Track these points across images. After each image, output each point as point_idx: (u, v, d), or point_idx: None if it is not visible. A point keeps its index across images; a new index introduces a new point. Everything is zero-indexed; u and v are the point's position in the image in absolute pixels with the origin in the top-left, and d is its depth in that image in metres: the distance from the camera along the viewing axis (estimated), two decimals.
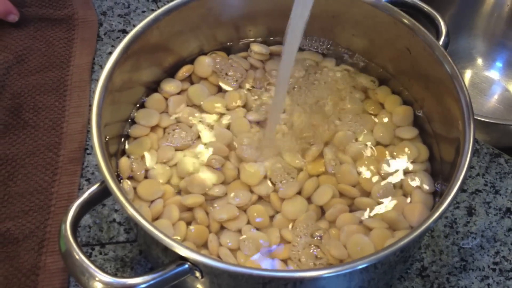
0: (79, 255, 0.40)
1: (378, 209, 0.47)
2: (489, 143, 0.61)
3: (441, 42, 0.50)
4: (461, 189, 0.53)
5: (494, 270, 0.51)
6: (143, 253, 0.51)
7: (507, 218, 0.53)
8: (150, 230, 0.39)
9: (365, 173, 0.49)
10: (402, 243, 0.39)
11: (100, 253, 0.52)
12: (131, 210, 0.40)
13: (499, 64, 0.86)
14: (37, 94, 0.61)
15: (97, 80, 0.60)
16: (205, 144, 0.51)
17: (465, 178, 0.41)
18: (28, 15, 0.67)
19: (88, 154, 0.58)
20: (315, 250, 0.45)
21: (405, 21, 0.50)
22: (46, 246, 0.52)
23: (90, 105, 0.57)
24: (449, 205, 0.40)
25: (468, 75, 0.88)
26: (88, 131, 0.59)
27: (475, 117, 0.65)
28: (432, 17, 0.52)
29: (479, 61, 0.87)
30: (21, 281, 0.50)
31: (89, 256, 0.42)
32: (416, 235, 0.39)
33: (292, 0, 0.49)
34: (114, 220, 0.54)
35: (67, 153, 0.57)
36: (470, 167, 0.55)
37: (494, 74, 0.86)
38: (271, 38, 0.57)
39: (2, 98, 0.61)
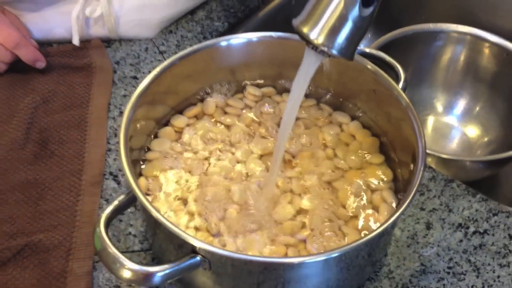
0: (112, 249, 0.49)
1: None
2: None
3: (400, 85, 0.62)
4: (421, 208, 0.65)
5: (448, 273, 0.61)
6: (156, 259, 0.61)
7: (459, 231, 0.64)
8: (169, 226, 0.49)
9: (341, 190, 0.60)
10: (367, 238, 0.49)
11: None
12: (154, 211, 0.50)
13: (456, 111, 0.98)
14: (61, 129, 0.72)
15: (113, 118, 0.72)
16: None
17: (415, 194, 0.51)
18: (53, 63, 0.78)
19: (106, 179, 0.68)
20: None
21: (371, 68, 0.62)
22: (73, 254, 0.61)
23: (116, 135, 0.68)
24: (401, 213, 0.51)
25: (430, 121, 1.00)
26: (106, 159, 0.69)
27: (436, 154, 0.77)
28: (393, 65, 0.64)
29: (440, 108, 0.99)
30: (52, 283, 0.59)
31: None
32: (374, 235, 0.50)
33: (278, 53, 0.61)
34: (130, 233, 0.63)
35: (89, 178, 0.67)
36: (428, 190, 0.66)
37: (453, 120, 0.98)
38: (263, 81, 0.69)
39: (31, 132, 0.71)
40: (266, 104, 0.67)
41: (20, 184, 0.66)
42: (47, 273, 0.59)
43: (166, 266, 0.49)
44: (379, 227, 0.50)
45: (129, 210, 0.65)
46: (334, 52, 0.49)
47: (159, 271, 0.49)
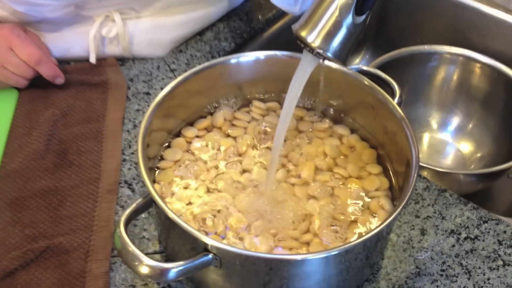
0: (131, 247, 0.54)
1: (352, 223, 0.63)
2: None
3: (395, 100, 0.67)
4: (415, 215, 0.69)
5: (441, 275, 0.65)
6: (169, 260, 0.65)
7: (451, 237, 0.69)
8: (184, 225, 0.54)
9: (342, 197, 0.65)
10: (365, 237, 0.54)
11: None
12: (170, 212, 0.55)
13: (450, 128, 1.03)
14: (79, 141, 0.77)
15: (127, 131, 0.77)
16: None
17: (410, 197, 0.56)
18: (71, 80, 0.83)
19: (121, 187, 0.72)
20: None
21: (368, 85, 0.67)
22: (91, 256, 0.65)
23: (130, 147, 0.73)
24: (397, 215, 0.55)
25: (426, 138, 1.05)
26: (121, 169, 0.74)
27: (431, 167, 0.82)
28: (389, 82, 0.69)
29: (434, 126, 1.04)
30: (72, 283, 0.63)
31: None
32: (372, 234, 0.54)
33: (282, 70, 0.66)
34: (143, 236, 0.67)
35: (105, 185, 0.72)
36: (423, 199, 0.71)
37: (447, 136, 1.03)
38: (267, 96, 0.74)
39: (51, 144, 0.76)
40: (271, 117, 0.72)
41: (41, 191, 0.71)
42: (67, 273, 0.64)
43: (180, 263, 0.54)
44: (377, 227, 0.54)
45: (143, 215, 0.69)
46: (329, 54, 0.55)
47: (174, 267, 0.53)
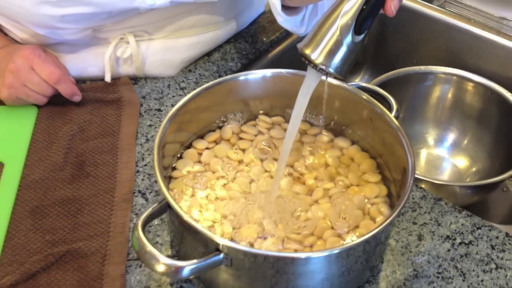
0: (149, 247, 0.58)
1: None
2: None
3: (393, 114, 0.72)
4: (413, 222, 0.74)
5: (437, 277, 0.69)
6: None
7: (447, 242, 0.73)
8: (196, 226, 0.58)
9: (343, 204, 0.69)
10: (365, 237, 0.58)
11: None
12: (184, 214, 0.59)
13: (446, 144, 1.08)
14: (95, 154, 0.81)
15: (140, 145, 0.81)
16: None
17: (406, 201, 0.61)
18: (87, 97, 0.88)
19: (135, 196, 0.77)
20: None
21: (367, 99, 0.72)
22: (108, 259, 0.69)
23: (143, 159, 0.77)
24: (396, 216, 0.60)
25: (423, 154, 1.10)
26: (135, 180, 0.79)
27: (429, 180, 0.86)
28: (386, 97, 0.74)
29: (431, 142, 1.09)
30: (90, 285, 0.67)
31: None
32: (373, 234, 0.58)
33: (287, 87, 0.71)
34: (157, 242, 0.72)
35: (120, 195, 0.76)
36: (420, 207, 0.75)
37: (443, 152, 1.08)
38: (272, 111, 0.79)
39: (69, 156, 0.81)
40: (276, 130, 0.77)
41: (60, 200, 0.75)
42: (85, 276, 0.68)
43: (193, 261, 0.58)
44: (377, 227, 0.59)
45: (155, 223, 0.74)
46: (331, 70, 0.60)
47: (188, 265, 0.57)
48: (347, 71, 0.62)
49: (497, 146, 1.02)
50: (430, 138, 1.09)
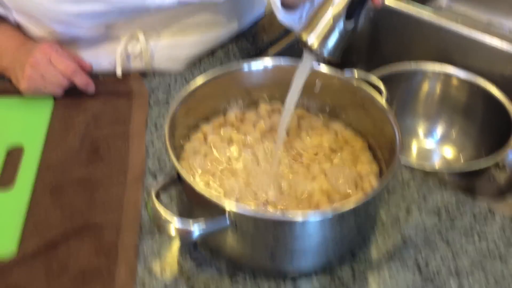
0: (163, 214, 0.64)
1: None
2: None
3: (383, 98, 0.78)
4: (402, 199, 0.80)
5: (424, 246, 0.75)
6: None
7: (434, 216, 0.79)
8: (204, 192, 0.64)
9: (338, 179, 0.76)
10: (358, 203, 0.65)
11: (159, 235, 0.76)
12: (193, 182, 0.65)
13: (436, 137, 1.15)
14: (109, 140, 0.88)
15: (150, 132, 0.88)
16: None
17: (395, 171, 0.68)
18: (100, 89, 0.95)
19: (146, 177, 0.83)
20: None
21: (359, 86, 0.79)
22: (122, 231, 0.75)
23: (153, 145, 0.84)
24: (381, 189, 0.66)
25: (414, 147, 1.16)
26: (146, 163, 0.85)
27: (419, 167, 0.92)
28: (376, 84, 0.81)
29: (421, 135, 1.16)
30: (107, 252, 0.73)
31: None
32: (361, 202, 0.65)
33: (285, 77, 0.78)
34: None
35: (132, 176, 0.83)
36: (408, 186, 0.82)
37: (432, 144, 1.15)
38: (272, 99, 0.85)
39: (84, 142, 0.87)
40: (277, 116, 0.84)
41: (77, 180, 0.82)
42: (102, 245, 0.74)
43: (200, 223, 0.64)
44: (368, 195, 0.65)
45: (165, 200, 0.80)
46: (325, 54, 0.67)
47: (197, 229, 0.64)
48: (339, 54, 0.69)
49: (483, 138, 1.09)
50: (420, 131, 1.16)
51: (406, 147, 1.15)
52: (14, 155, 0.85)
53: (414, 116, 1.16)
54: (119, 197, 0.80)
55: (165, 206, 0.77)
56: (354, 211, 0.67)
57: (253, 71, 0.82)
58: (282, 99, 0.85)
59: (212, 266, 0.73)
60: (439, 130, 1.14)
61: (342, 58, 0.73)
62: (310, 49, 0.68)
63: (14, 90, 0.94)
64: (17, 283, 0.70)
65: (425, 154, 1.14)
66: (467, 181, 1.04)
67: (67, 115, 0.91)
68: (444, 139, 1.14)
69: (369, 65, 1.29)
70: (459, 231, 0.77)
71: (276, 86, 0.84)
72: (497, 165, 1.11)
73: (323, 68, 0.80)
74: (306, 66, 0.71)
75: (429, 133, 1.15)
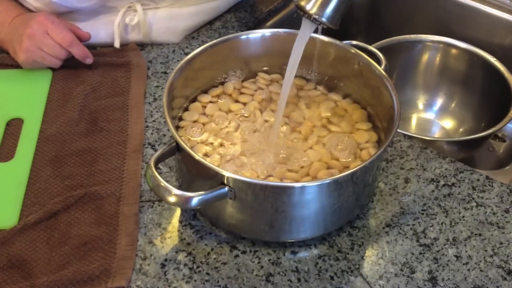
0: (162, 182, 0.64)
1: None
2: None
3: (382, 67, 0.78)
4: (400, 168, 0.80)
5: (422, 214, 0.76)
6: None
7: (431, 184, 0.79)
8: (203, 161, 0.65)
9: (337, 149, 0.76)
10: (354, 169, 0.65)
11: (159, 205, 0.76)
12: (191, 151, 0.66)
13: (435, 108, 1.15)
14: (108, 111, 0.88)
15: (148, 103, 0.88)
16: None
17: (390, 141, 0.68)
18: (98, 61, 0.95)
19: (145, 148, 0.83)
20: None
21: (355, 53, 0.78)
22: (122, 201, 0.76)
23: (151, 116, 0.84)
24: (377, 156, 0.66)
25: (414, 118, 1.16)
26: (145, 134, 0.85)
27: (418, 136, 0.92)
28: (375, 53, 0.80)
29: (421, 107, 1.16)
30: (107, 222, 0.74)
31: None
32: (358, 168, 0.65)
33: (283, 47, 0.78)
34: None
35: (132, 146, 0.83)
36: (407, 154, 0.82)
37: (432, 115, 1.15)
38: (270, 69, 0.85)
39: (83, 113, 0.87)
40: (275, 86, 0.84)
41: (77, 151, 0.82)
42: (102, 215, 0.74)
43: (201, 192, 0.65)
44: (366, 160, 0.65)
45: (164, 170, 0.80)
46: (324, 19, 0.67)
47: (196, 196, 0.64)
48: (338, 20, 0.68)
49: (482, 108, 1.09)
50: (420, 103, 1.16)
51: (405, 119, 1.15)
52: (14, 127, 0.85)
53: (413, 88, 1.16)
54: (119, 167, 0.80)
55: (165, 175, 0.79)
56: (352, 178, 0.67)
57: (251, 40, 0.82)
58: (281, 69, 0.85)
59: (212, 236, 0.73)
60: (439, 102, 1.14)
61: (341, 30, 0.72)
62: (308, 14, 0.67)
63: (13, 63, 0.94)
64: (19, 252, 0.70)
65: (424, 126, 1.14)
66: (466, 152, 1.04)
67: (65, 87, 0.91)
68: (444, 110, 1.14)
69: (369, 37, 1.28)
70: (457, 199, 0.78)
71: (275, 56, 0.84)
72: (496, 136, 1.12)
73: (322, 37, 0.80)
74: (305, 34, 0.70)
75: (428, 105, 1.15)
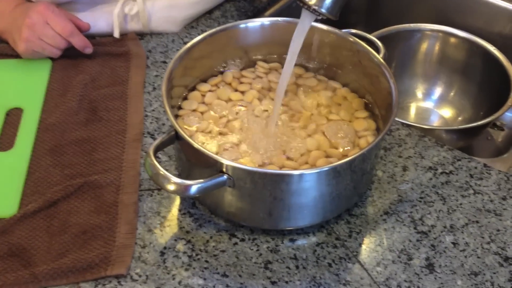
0: (161, 170, 0.65)
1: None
2: None
3: (381, 55, 0.78)
4: (398, 156, 0.81)
5: (420, 201, 0.76)
6: None
7: (429, 172, 0.80)
8: (202, 149, 0.65)
9: (337, 136, 0.76)
10: (352, 156, 0.65)
11: (158, 194, 0.77)
12: (190, 140, 0.66)
13: (434, 97, 1.15)
14: (107, 100, 0.88)
15: (148, 92, 0.88)
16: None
17: (390, 125, 0.68)
18: (97, 51, 0.95)
19: (144, 137, 0.84)
20: None
21: (353, 41, 0.78)
22: (122, 190, 0.76)
23: (151, 105, 0.84)
24: (376, 144, 0.67)
25: (412, 107, 1.16)
26: (144, 123, 0.85)
27: (417, 125, 0.93)
28: (373, 41, 0.80)
29: (420, 96, 1.16)
30: (107, 210, 0.74)
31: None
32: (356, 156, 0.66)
33: (282, 36, 0.78)
34: None
35: (131, 136, 0.83)
36: (405, 143, 0.82)
37: (431, 104, 1.15)
38: (269, 58, 0.85)
39: (83, 103, 0.87)
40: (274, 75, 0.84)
41: (76, 140, 0.82)
42: (102, 203, 0.75)
43: (200, 180, 0.65)
44: (364, 148, 0.66)
45: (164, 159, 0.81)
46: (323, 10, 0.67)
47: (195, 183, 0.65)
48: (338, 11, 0.69)
49: (481, 97, 1.09)
50: (419, 92, 1.16)
51: (404, 108, 1.15)
52: (14, 116, 0.86)
53: (412, 77, 1.16)
54: (118, 156, 0.80)
55: (164, 163, 0.79)
56: (350, 166, 0.68)
57: (250, 29, 0.82)
58: (280, 58, 0.86)
59: (211, 224, 0.74)
60: (438, 91, 1.15)
61: (341, 20, 0.73)
62: (308, 5, 0.67)
63: (12, 53, 0.94)
64: (19, 241, 0.71)
65: (423, 115, 1.14)
66: (465, 141, 1.05)
67: (65, 76, 0.92)
68: (443, 99, 1.14)
69: (368, 27, 1.28)
70: (455, 187, 0.78)
71: (274, 44, 0.84)
72: (495, 125, 1.12)
73: (321, 25, 0.80)
74: (304, 25, 0.71)
75: (427, 94, 1.15)
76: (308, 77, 0.84)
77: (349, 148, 0.75)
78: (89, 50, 0.93)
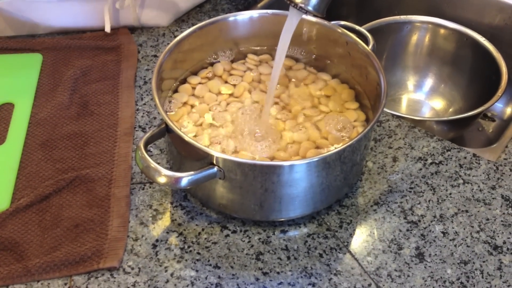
0: (152, 163, 0.65)
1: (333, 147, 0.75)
2: None
3: (370, 47, 0.79)
4: (388, 147, 0.81)
5: (410, 191, 0.77)
6: None
7: (419, 162, 0.80)
8: (192, 141, 0.65)
9: (326, 127, 0.76)
10: (342, 147, 0.66)
11: (150, 187, 0.77)
12: (181, 133, 0.66)
13: (425, 89, 1.16)
14: (98, 95, 0.88)
15: (139, 86, 0.88)
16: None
17: (376, 120, 0.69)
18: (89, 45, 0.95)
19: (136, 130, 0.84)
20: None
21: (342, 32, 0.79)
22: (114, 183, 0.76)
23: (142, 99, 0.84)
24: (364, 134, 0.67)
25: (404, 99, 1.17)
26: (135, 117, 0.86)
27: (408, 116, 0.93)
28: (362, 33, 0.81)
29: (411, 88, 1.16)
30: (99, 204, 0.74)
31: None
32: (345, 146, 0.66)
33: (271, 28, 0.78)
34: None
35: (122, 129, 0.84)
36: (395, 133, 0.83)
37: (422, 96, 1.15)
38: (259, 50, 0.85)
39: (74, 97, 0.88)
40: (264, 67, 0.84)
41: (68, 134, 0.82)
42: (94, 197, 0.75)
43: (191, 172, 0.65)
44: (354, 138, 0.66)
45: (155, 152, 0.81)
46: (310, 8, 0.67)
47: (185, 176, 0.65)
48: (324, 8, 0.69)
49: (471, 88, 1.10)
50: (410, 84, 1.16)
51: (396, 100, 1.15)
52: (5, 111, 0.86)
53: (403, 69, 1.16)
54: (110, 150, 0.81)
55: (156, 157, 0.79)
56: (340, 157, 0.68)
57: (239, 21, 0.82)
58: (270, 50, 0.86)
59: (202, 216, 0.74)
60: (429, 83, 1.15)
61: (332, 13, 0.73)
62: (294, 3, 0.68)
63: (2, 47, 0.94)
64: (11, 235, 0.71)
65: (414, 106, 1.15)
66: (455, 132, 1.05)
67: (56, 71, 0.92)
68: (434, 91, 1.14)
69: (359, 19, 1.28)
70: (444, 177, 0.79)
71: (263, 37, 0.85)
72: (486, 115, 1.13)
73: (310, 18, 0.80)
74: (292, 22, 0.71)
75: (418, 85, 1.16)
76: (299, 68, 0.85)
77: (338, 138, 0.75)
78: None
